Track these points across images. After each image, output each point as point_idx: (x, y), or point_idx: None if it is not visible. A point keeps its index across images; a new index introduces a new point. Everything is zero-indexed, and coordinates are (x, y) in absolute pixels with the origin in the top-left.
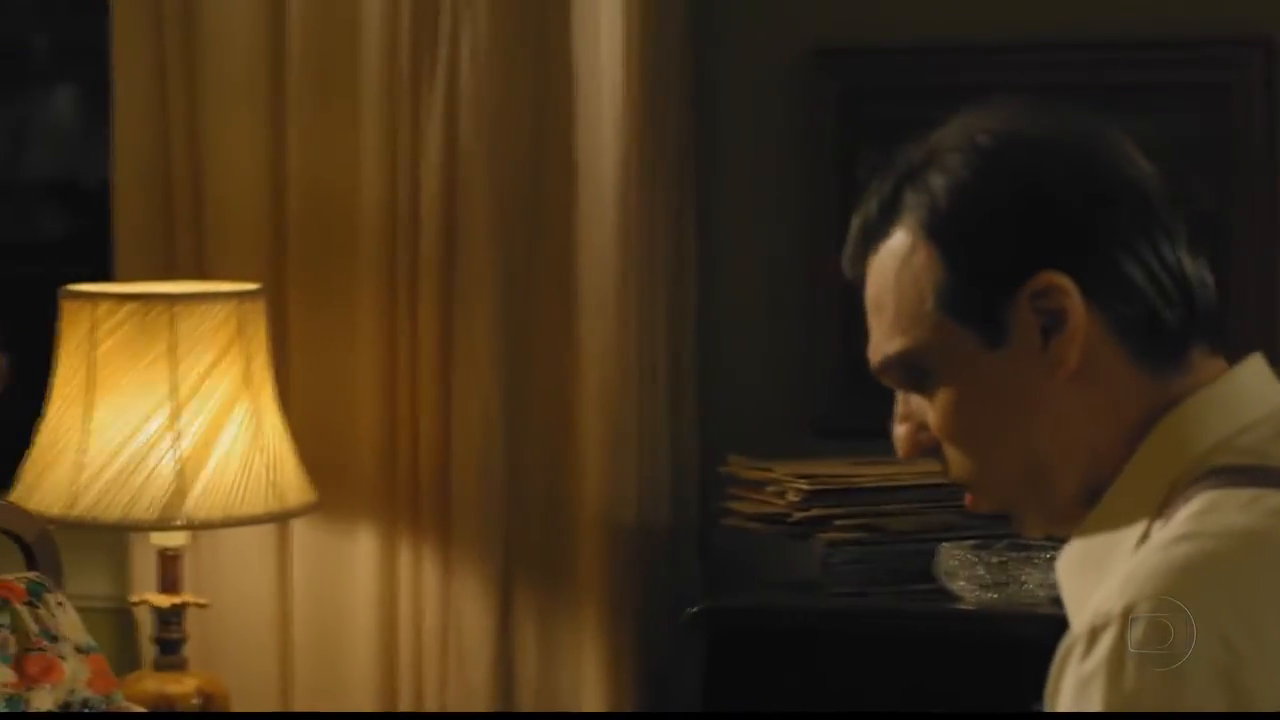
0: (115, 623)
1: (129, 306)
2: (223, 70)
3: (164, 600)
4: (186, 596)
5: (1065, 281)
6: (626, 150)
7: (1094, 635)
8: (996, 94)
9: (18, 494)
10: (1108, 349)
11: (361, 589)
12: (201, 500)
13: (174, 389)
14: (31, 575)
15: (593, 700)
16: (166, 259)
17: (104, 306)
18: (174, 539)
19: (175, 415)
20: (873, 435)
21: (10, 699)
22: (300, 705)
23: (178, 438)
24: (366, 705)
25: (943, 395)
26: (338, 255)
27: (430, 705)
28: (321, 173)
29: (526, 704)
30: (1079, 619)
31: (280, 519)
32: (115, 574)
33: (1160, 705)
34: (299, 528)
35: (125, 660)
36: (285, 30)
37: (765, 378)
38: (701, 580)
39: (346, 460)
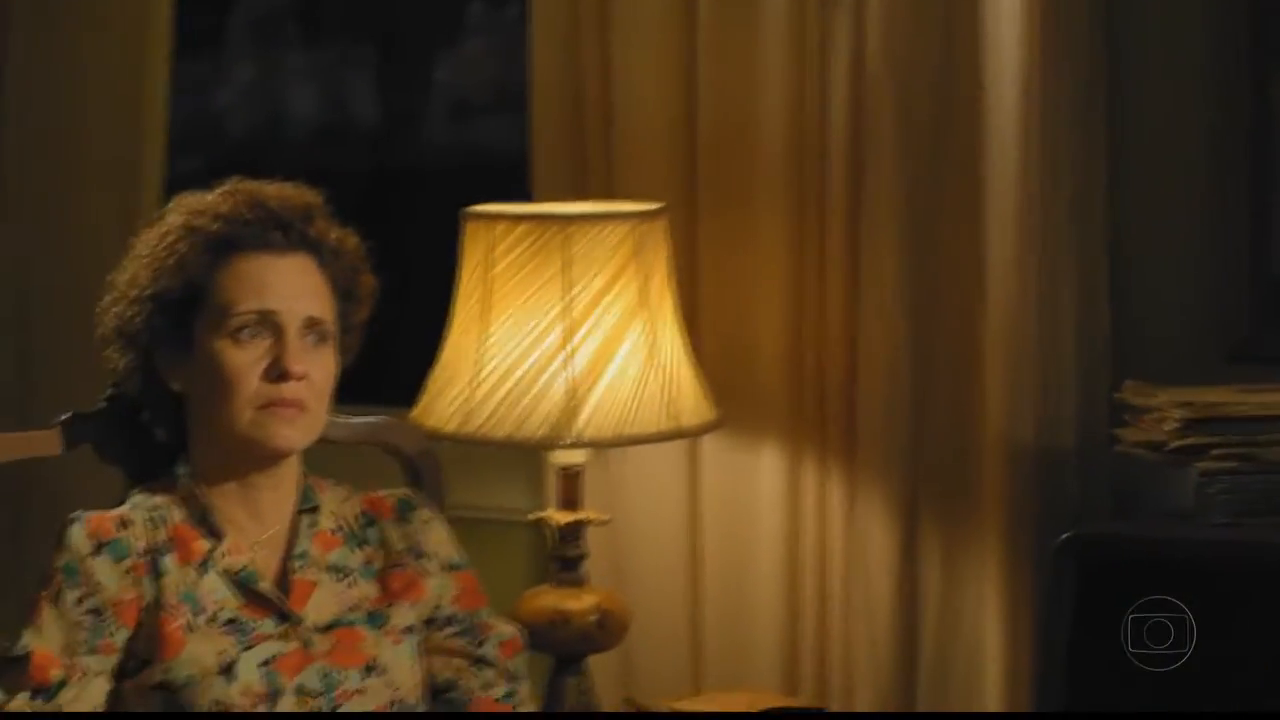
0: (534, 538)
1: (524, 227)
2: None
3: (562, 517)
4: (585, 513)
5: None
6: (1032, 72)
7: None
8: None
9: (418, 411)
10: None
11: (767, 507)
12: (592, 419)
13: (568, 309)
14: (401, 492)
15: (992, 620)
16: (580, 180)
17: (500, 227)
18: (573, 456)
19: (568, 335)
20: None
21: (372, 614)
22: (704, 622)
23: (570, 357)
24: (769, 623)
25: None
26: (745, 176)
27: (833, 623)
28: (731, 94)
29: (929, 622)
30: None
31: (675, 438)
32: (536, 489)
33: None
34: (705, 445)
35: (541, 574)
36: None
37: (1180, 303)
38: (1105, 505)
39: (753, 378)
